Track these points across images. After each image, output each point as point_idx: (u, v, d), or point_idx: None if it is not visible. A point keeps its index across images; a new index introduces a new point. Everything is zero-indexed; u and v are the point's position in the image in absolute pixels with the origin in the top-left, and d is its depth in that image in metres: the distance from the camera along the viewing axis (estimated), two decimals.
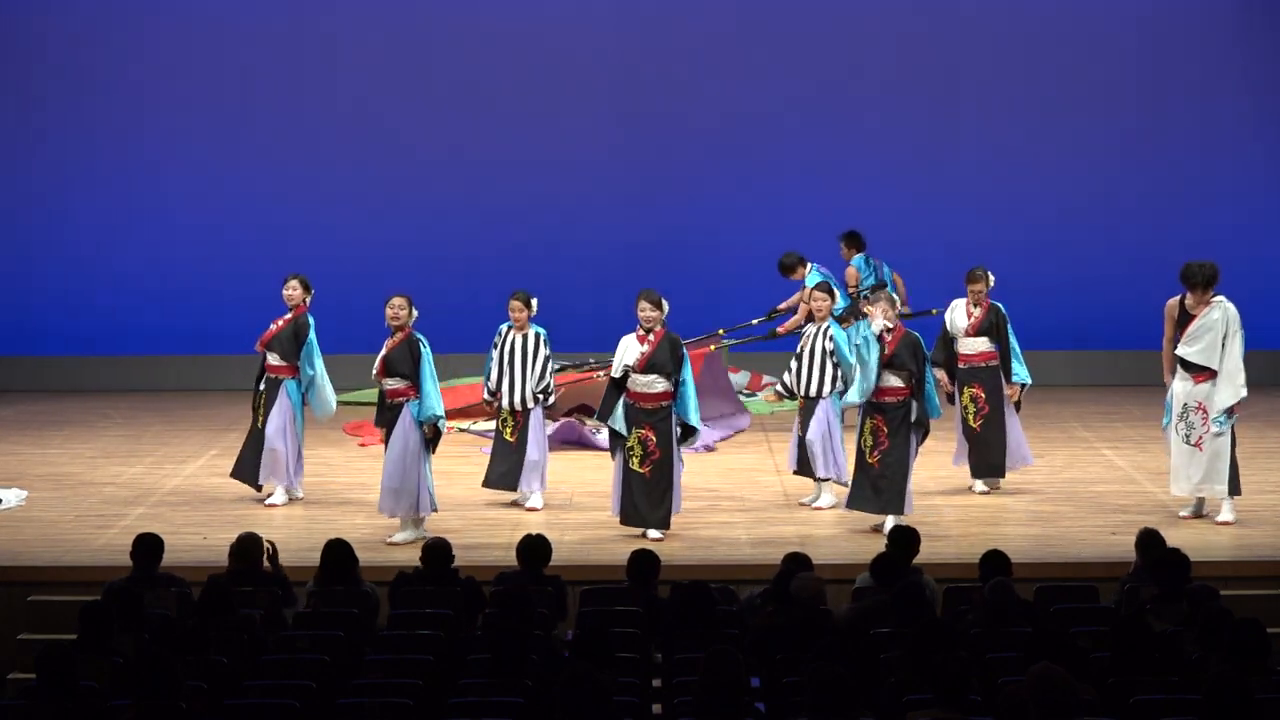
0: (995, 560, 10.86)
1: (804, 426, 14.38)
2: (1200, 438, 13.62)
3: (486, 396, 14.67)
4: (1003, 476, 14.83)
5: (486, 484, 14.57)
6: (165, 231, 20.51)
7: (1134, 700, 8.86)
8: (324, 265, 19.26)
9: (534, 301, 14.54)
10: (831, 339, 14.29)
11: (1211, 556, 12.54)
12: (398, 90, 20.49)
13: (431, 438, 13.42)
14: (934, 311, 16.78)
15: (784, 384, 14.69)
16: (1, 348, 20.67)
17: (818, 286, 15.00)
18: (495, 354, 14.53)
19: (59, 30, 20.37)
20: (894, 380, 13.58)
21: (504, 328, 14.58)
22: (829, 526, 13.84)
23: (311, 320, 14.57)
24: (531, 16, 20.48)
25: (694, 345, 17.92)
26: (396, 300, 13.57)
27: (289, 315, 14.62)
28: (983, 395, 14.74)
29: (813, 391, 14.34)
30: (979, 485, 14.83)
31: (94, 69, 20.39)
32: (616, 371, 13.51)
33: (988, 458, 14.75)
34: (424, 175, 20.56)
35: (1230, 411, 13.55)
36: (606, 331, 18.24)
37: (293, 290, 14.67)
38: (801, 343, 14.58)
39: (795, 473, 14.59)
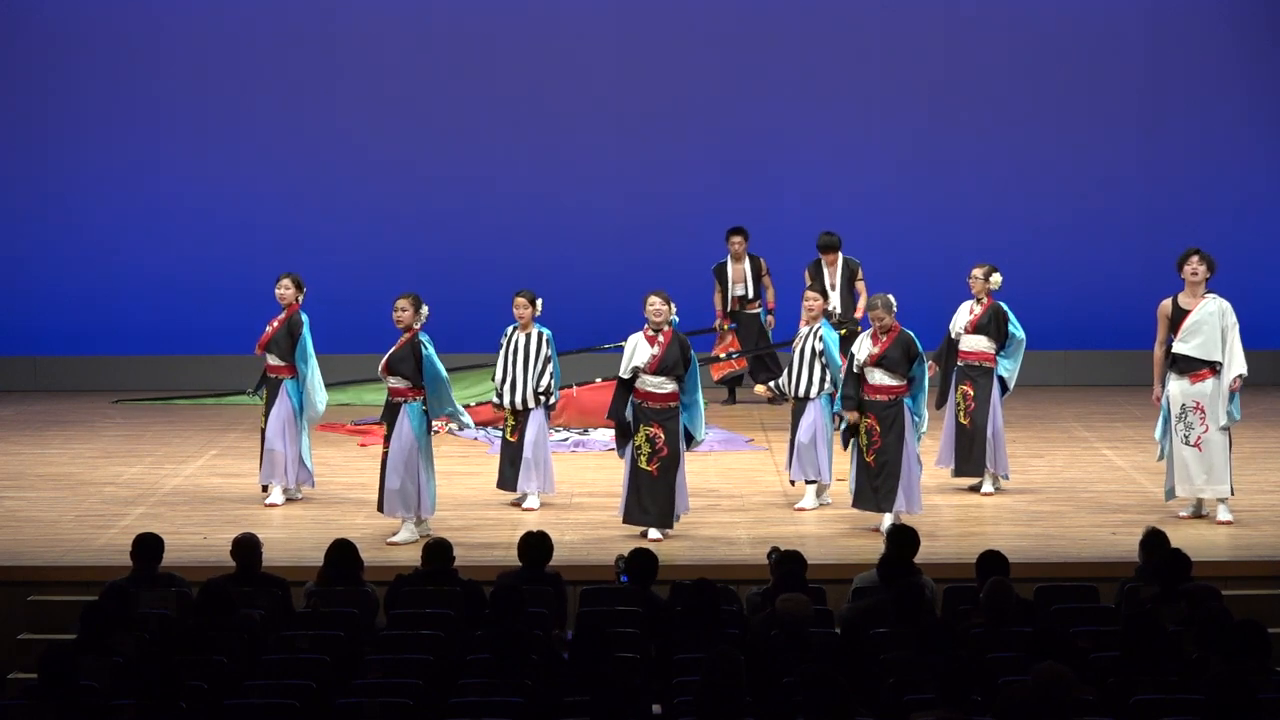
0: (992, 560, 10.85)
1: (795, 428, 14.38)
2: (1199, 438, 13.62)
3: (495, 399, 14.65)
4: (979, 475, 14.83)
5: (500, 485, 14.55)
6: (165, 231, 20.49)
7: (1134, 700, 8.87)
8: (326, 264, 19.34)
9: (539, 301, 14.52)
10: (821, 340, 14.29)
11: (1211, 556, 12.54)
12: (397, 91, 20.47)
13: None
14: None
15: (778, 385, 14.70)
16: (1, 348, 20.67)
17: (810, 287, 15.03)
18: (500, 354, 14.52)
19: (59, 32, 20.35)
20: (886, 379, 13.59)
21: (510, 328, 14.57)
22: (828, 526, 13.84)
23: (305, 318, 14.55)
24: (533, 17, 20.46)
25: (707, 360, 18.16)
26: (401, 301, 13.52)
27: (283, 315, 14.62)
28: (971, 393, 14.78)
29: (801, 392, 14.34)
30: (987, 485, 14.84)
31: (95, 70, 20.37)
32: (625, 373, 13.49)
33: (969, 453, 14.78)
34: (425, 175, 20.54)
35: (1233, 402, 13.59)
36: (605, 331, 18.42)
37: (285, 289, 14.66)
38: (795, 343, 14.59)
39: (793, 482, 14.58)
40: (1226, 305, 13.62)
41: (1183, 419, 13.65)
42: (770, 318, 18.91)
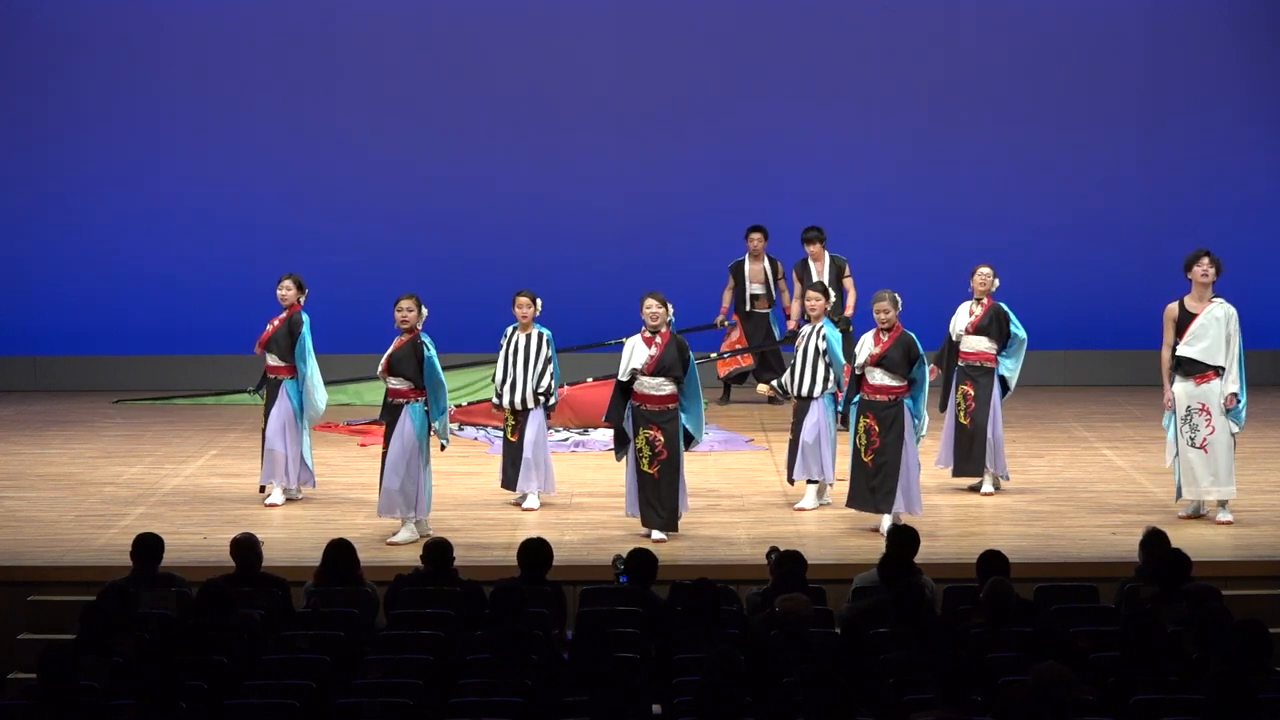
0: (992, 560, 10.85)
1: (797, 427, 14.37)
2: (1204, 440, 13.61)
3: (494, 400, 14.64)
4: (979, 476, 14.82)
5: (504, 484, 14.53)
6: (165, 231, 20.49)
7: (1134, 700, 8.87)
8: (326, 264, 19.33)
9: (539, 301, 14.51)
10: (824, 338, 14.28)
11: (1211, 556, 12.55)
12: (397, 91, 20.47)
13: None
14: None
15: (780, 384, 14.70)
16: (1, 348, 20.67)
17: (811, 286, 15.01)
18: (500, 354, 14.51)
19: (59, 32, 20.35)
20: (886, 379, 13.59)
21: (510, 329, 14.56)
22: (828, 526, 13.83)
23: (306, 318, 14.56)
24: (533, 17, 20.46)
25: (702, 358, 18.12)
26: (404, 302, 13.53)
27: (284, 315, 14.62)
28: (972, 393, 14.78)
29: (804, 391, 14.33)
30: (987, 485, 14.83)
31: (95, 70, 20.37)
32: (624, 375, 13.48)
33: (969, 453, 14.78)
34: (425, 175, 20.54)
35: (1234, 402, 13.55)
36: (605, 331, 18.44)
37: (286, 290, 14.67)
38: (797, 342, 14.59)
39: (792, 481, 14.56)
40: (1233, 313, 13.58)
41: (1188, 420, 13.64)
42: (791, 321, 18.76)
